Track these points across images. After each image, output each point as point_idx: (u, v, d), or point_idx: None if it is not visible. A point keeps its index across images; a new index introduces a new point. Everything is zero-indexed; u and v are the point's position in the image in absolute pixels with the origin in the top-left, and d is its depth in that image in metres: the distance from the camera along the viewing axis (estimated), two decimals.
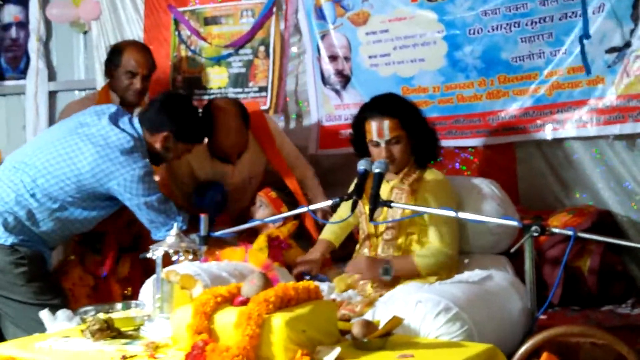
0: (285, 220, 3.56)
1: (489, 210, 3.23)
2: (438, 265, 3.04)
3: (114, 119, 3.42)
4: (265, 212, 3.60)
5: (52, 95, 5.22)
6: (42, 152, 3.37)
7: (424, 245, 3.09)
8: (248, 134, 3.78)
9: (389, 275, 2.96)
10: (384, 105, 3.18)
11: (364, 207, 3.19)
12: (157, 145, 3.43)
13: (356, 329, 2.38)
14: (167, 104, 3.47)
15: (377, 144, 3.13)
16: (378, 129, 3.11)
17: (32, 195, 3.32)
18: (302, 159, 4.03)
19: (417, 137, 3.16)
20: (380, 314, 2.63)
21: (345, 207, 3.22)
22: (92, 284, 3.65)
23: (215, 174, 3.82)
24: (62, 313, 2.88)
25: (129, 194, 3.32)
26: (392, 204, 2.96)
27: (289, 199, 3.71)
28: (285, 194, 3.73)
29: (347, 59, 4.16)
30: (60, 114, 4.22)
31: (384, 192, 3.14)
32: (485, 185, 3.36)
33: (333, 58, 4.20)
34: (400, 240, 3.12)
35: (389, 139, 3.11)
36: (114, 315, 2.71)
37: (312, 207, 3.31)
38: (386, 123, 3.10)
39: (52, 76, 5.25)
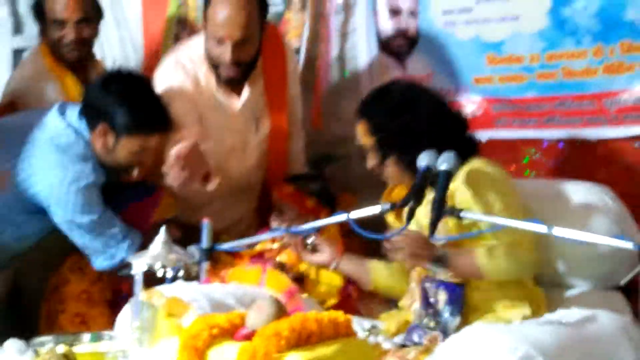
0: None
1: (599, 228, 3.22)
2: (511, 264, 3.03)
3: (62, 108, 3.58)
4: (288, 218, 3.63)
5: None
6: None
7: None
8: (261, 29, 3.77)
9: (440, 266, 3.03)
10: (365, 100, 3.39)
11: (399, 220, 3.27)
12: (98, 146, 3.51)
13: None
14: (104, 85, 3.55)
15: None
16: None
17: None
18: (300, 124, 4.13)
19: (396, 149, 3.25)
20: None
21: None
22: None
23: (214, 105, 3.84)
24: (12, 343, 2.96)
25: (56, 206, 3.45)
26: (462, 214, 2.98)
27: (316, 185, 3.76)
28: (307, 179, 3.79)
29: (413, 14, 4.19)
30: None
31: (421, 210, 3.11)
32: (594, 193, 3.38)
33: (394, 13, 4.24)
34: None
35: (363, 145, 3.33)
36: (78, 349, 2.81)
37: (355, 213, 3.33)
38: (358, 126, 3.34)
39: None
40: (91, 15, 4.18)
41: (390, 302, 3.43)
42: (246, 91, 3.87)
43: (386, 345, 3.03)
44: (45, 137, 3.50)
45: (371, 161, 3.33)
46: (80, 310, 3.61)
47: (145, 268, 2.74)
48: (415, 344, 3.02)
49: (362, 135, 3.32)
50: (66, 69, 4.16)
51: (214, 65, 3.77)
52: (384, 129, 3.26)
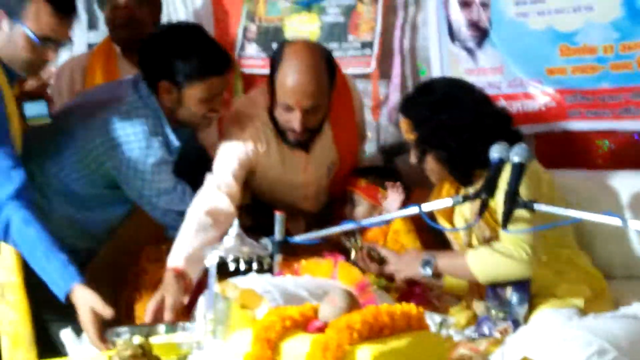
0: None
1: None
2: (500, 269, 3.07)
3: (136, 81, 3.56)
4: (360, 210, 3.68)
5: None
6: None
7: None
8: (330, 93, 3.65)
9: (429, 269, 3.21)
10: (408, 97, 3.43)
11: (445, 220, 3.36)
12: (165, 105, 3.49)
13: None
14: (154, 41, 3.54)
15: None
16: None
17: None
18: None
19: (435, 145, 3.28)
20: (511, 356, 2.65)
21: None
22: None
23: (283, 165, 3.78)
24: None
25: (125, 184, 3.50)
26: (536, 205, 2.97)
27: (388, 178, 3.78)
28: (380, 172, 3.83)
29: (484, 5, 4.18)
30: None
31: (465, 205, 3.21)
32: None
33: (466, 4, 4.24)
34: None
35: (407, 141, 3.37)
36: (153, 340, 2.82)
37: (427, 206, 3.33)
38: (402, 122, 3.38)
39: None
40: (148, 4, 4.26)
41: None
42: (315, 149, 3.80)
43: (457, 337, 3.04)
44: (116, 114, 3.47)
45: (413, 157, 3.35)
46: None
47: (218, 260, 2.74)
48: (486, 336, 3.02)
49: (405, 132, 3.35)
50: (117, 61, 4.27)
51: (281, 128, 3.68)
52: (424, 126, 3.28)
